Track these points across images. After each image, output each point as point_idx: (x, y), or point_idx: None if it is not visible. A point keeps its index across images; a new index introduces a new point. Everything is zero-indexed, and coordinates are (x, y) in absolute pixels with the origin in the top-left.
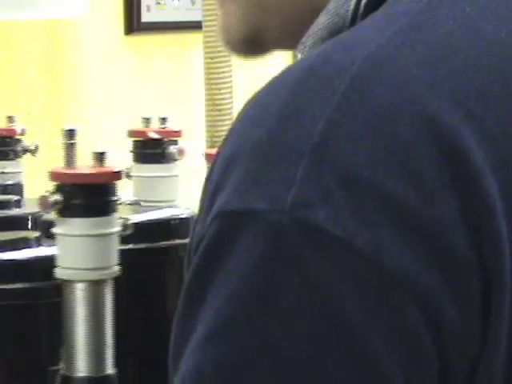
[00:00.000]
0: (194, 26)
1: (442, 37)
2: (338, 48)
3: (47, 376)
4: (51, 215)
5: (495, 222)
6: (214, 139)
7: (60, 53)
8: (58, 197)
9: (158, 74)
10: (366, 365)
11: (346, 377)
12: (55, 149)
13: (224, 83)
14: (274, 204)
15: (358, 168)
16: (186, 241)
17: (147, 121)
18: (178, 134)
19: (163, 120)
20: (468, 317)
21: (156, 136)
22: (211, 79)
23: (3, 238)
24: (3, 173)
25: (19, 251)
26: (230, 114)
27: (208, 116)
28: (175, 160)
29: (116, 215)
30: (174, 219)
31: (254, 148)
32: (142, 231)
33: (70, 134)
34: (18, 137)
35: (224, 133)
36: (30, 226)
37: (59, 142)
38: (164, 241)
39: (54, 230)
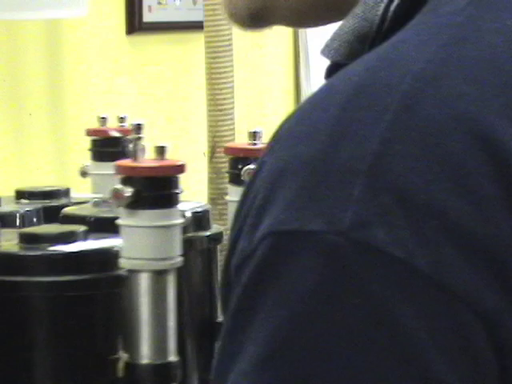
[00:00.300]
0: (196, 25)
1: (487, 51)
2: (383, 64)
3: (107, 365)
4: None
5: None
6: (216, 139)
7: (61, 53)
8: (130, 189)
9: (160, 73)
10: None
11: None
12: (56, 148)
13: (225, 83)
14: (330, 224)
15: (415, 187)
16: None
17: (104, 120)
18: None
19: (122, 119)
20: None
21: (116, 134)
22: (213, 79)
23: (53, 231)
24: None
25: (71, 244)
26: (231, 113)
27: (209, 116)
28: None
29: (178, 207)
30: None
31: (305, 165)
32: None
33: (138, 127)
34: None
35: (225, 132)
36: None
37: (60, 141)
38: None
39: (120, 221)
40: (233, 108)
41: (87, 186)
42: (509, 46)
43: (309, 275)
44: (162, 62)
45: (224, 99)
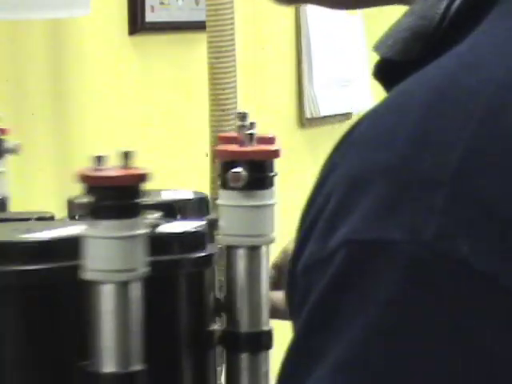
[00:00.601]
0: (198, 25)
1: None
2: (464, 69)
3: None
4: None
5: None
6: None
7: (64, 53)
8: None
9: (162, 73)
10: None
11: None
12: (59, 149)
13: (228, 83)
14: (412, 234)
15: (500, 200)
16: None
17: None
18: (5, 131)
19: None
20: None
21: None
22: (215, 79)
23: None
24: None
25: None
26: (234, 113)
27: (212, 116)
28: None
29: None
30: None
31: (385, 173)
32: None
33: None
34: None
35: (228, 133)
36: None
37: (63, 141)
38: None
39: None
40: (235, 108)
41: None
42: None
43: (389, 286)
44: (165, 62)
45: (226, 99)
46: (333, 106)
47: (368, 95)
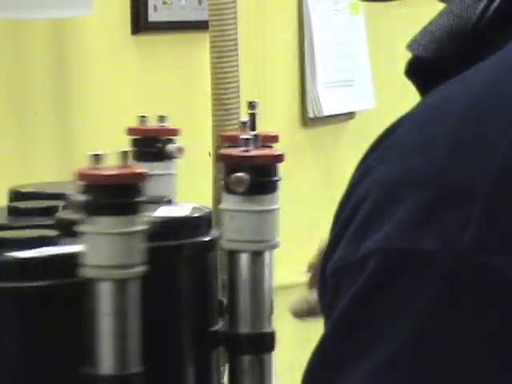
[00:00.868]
0: (201, 25)
1: None
2: (504, 74)
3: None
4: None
5: None
6: (221, 139)
7: (67, 52)
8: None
9: (165, 73)
10: None
11: None
12: (62, 148)
13: (230, 83)
14: (447, 245)
15: None
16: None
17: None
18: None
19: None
20: None
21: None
22: (218, 79)
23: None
24: None
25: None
26: (236, 113)
27: (214, 115)
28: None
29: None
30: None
31: (422, 181)
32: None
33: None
34: None
35: (231, 132)
36: None
37: (66, 141)
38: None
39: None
40: (238, 108)
41: None
42: None
43: (422, 296)
44: (167, 62)
45: (229, 99)
46: (336, 105)
47: (371, 95)
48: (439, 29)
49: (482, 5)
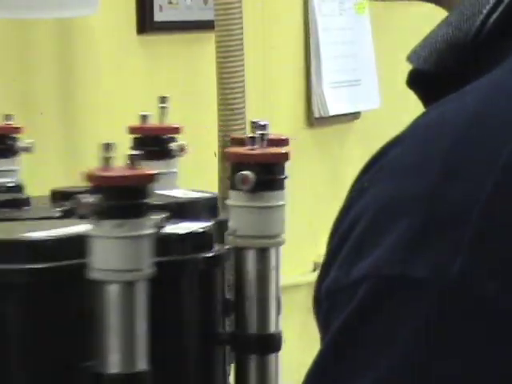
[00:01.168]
0: (207, 25)
1: None
2: (501, 95)
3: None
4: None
5: None
6: (226, 138)
7: (72, 52)
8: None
9: (171, 73)
10: None
11: None
12: (68, 148)
13: (236, 82)
14: (437, 272)
15: None
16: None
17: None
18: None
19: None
20: None
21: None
22: (223, 78)
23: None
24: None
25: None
26: (242, 113)
27: (220, 115)
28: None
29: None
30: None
31: (413, 204)
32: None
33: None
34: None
35: (236, 132)
36: None
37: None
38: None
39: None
40: (244, 107)
41: None
42: None
43: (411, 324)
44: (173, 62)
45: (235, 99)
46: (341, 105)
47: (376, 95)
48: (439, 40)
49: (481, 17)
